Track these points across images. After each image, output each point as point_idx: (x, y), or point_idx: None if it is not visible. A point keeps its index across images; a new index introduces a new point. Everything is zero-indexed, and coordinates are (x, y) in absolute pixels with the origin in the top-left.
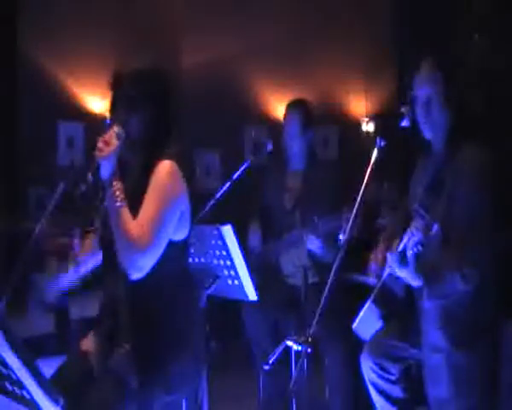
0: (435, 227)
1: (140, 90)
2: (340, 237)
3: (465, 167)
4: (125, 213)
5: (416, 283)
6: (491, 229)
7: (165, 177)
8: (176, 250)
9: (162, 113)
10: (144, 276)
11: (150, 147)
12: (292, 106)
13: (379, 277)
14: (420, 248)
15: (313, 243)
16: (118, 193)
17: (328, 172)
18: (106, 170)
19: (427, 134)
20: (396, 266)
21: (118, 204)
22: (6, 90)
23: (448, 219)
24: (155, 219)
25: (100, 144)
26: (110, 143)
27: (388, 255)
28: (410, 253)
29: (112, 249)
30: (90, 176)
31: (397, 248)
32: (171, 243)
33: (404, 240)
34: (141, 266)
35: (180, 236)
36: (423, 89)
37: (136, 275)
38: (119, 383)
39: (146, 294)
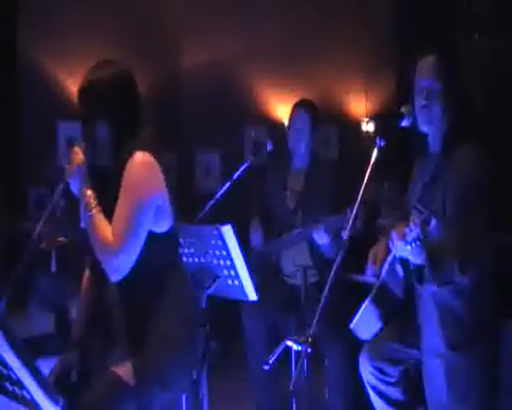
0: (433, 222)
1: (98, 98)
2: (344, 234)
3: (461, 167)
4: (99, 219)
5: (418, 260)
6: (488, 227)
7: (137, 171)
8: (160, 243)
9: (125, 114)
10: (133, 272)
11: (119, 148)
12: (302, 106)
13: (378, 275)
14: (418, 243)
15: (322, 238)
16: (91, 201)
17: (330, 172)
18: (75, 185)
19: (424, 126)
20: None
21: (91, 213)
22: (6, 90)
23: (445, 217)
24: (128, 219)
25: (66, 166)
26: (74, 159)
27: (395, 239)
28: (408, 247)
29: None
30: (62, 201)
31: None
32: (154, 236)
33: (404, 236)
34: (118, 268)
35: (162, 228)
36: (426, 80)
37: (115, 277)
38: (118, 382)
39: (136, 290)
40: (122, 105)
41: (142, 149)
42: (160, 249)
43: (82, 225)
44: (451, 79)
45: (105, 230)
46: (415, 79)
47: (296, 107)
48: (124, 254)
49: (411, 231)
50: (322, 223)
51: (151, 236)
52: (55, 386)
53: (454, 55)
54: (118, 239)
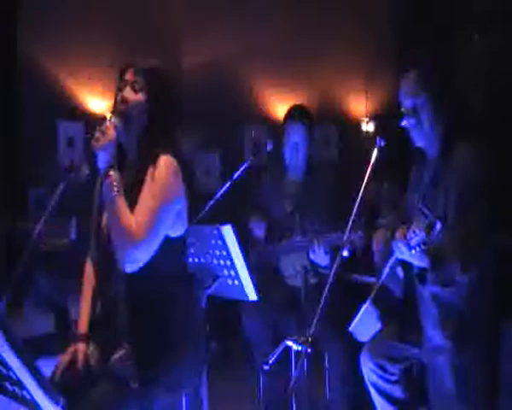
0: (438, 225)
1: (141, 83)
2: (345, 253)
3: (460, 167)
4: (121, 203)
5: (421, 263)
6: (488, 227)
7: (168, 173)
8: (173, 247)
9: (162, 109)
10: (142, 273)
11: (150, 140)
12: (297, 116)
13: (378, 277)
14: (423, 247)
15: (321, 258)
16: (115, 183)
17: (327, 175)
18: (102, 160)
19: (419, 143)
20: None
21: (113, 194)
22: (6, 90)
23: (444, 219)
24: (152, 213)
25: (97, 134)
26: (107, 133)
27: (399, 242)
28: (413, 252)
29: (109, 248)
30: (86, 169)
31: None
32: (168, 240)
33: (407, 239)
34: (134, 259)
35: (177, 232)
36: (408, 101)
37: (129, 267)
38: (120, 383)
39: (144, 292)
40: (159, 97)
41: (168, 153)
42: (171, 253)
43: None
44: (437, 88)
45: (128, 217)
46: (401, 96)
47: (290, 118)
48: (143, 246)
49: (416, 235)
50: (322, 238)
51: (166, 239)
52: (55, 386)
53: (439, 60)
54: (140, 231)
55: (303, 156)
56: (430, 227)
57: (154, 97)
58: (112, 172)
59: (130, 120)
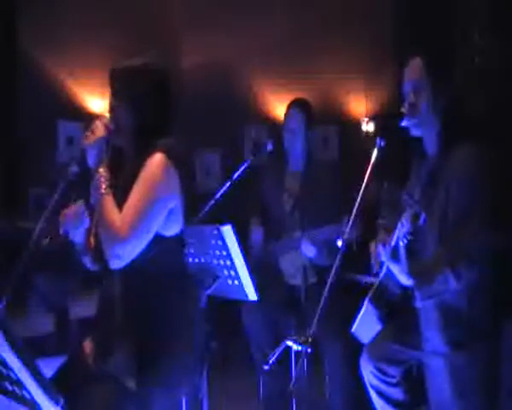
0: (423, 216)
1: (128, 79)
2: (339, 243)
3: (457, 166)
4: (108, 201)
5: (407, 281)
6: (484, 227)
7: (155, 170)
8: (169, 245)
9: (152, 105)
10: (138, 273)
11: (140, 137)
12: (296, 104)
13: (376, 275)
14: (409, 237)
15: (308, 250)
16: (103, 180)
17: (327, 173)
18: (92, 158)
19: (415, 131)
20: (387, 261)
21: (101, 192)
22: (6, 90)
23: (444, 218)
24: (138, 211)
25: (87, 133)
26: (96, 131)
27: (380, 248)
28: (400, 244)
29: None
30: (74, 166)
31: (390, 243)
32: (162, 238)
33: (396, 233)
34: (119, 255)
35: (172, 231)
36: (409, 83)
37: (114, 263)
38: (118, 383)
39: (140, 292)
40: (148, 93)
41: (162, 151)
42: (167, 252)
43: (91, 200)
44: (438, 76)
45: (114, 215)
46: (403, 83)
47: (290, 106)
48: (129, 243)
49: (403, 225)
50: (307, 236)
51: (159, 238)
52: (55, 386)
53: (443, 53)
54: (125, 228)
55: (301, 144)
56: (416, 218)
57: (136, 99)
58: (101, 170)
59: (119, 124)
